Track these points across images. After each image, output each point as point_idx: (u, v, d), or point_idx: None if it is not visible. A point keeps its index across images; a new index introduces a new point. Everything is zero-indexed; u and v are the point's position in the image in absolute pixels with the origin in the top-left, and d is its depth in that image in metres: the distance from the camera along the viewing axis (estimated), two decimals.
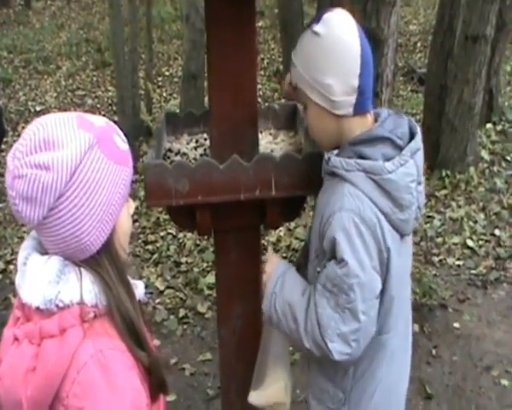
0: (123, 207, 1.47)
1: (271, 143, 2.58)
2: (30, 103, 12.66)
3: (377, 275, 1.84)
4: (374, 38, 4.30)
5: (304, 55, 1.88)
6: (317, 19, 1.86)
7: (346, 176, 1.82)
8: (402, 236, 1.91)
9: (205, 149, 2.50)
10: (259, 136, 2.57)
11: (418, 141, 1.92)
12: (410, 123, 1.96)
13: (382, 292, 1.89)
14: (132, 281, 1.59)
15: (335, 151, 1.90)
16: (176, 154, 2.48)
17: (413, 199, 1.88)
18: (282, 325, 1.97)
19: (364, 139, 1.86)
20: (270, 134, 2.67)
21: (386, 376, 2.03)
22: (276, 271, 2.03)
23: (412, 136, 1.92)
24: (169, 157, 2.44)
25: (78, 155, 1.34)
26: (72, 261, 1.42)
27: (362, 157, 1.82)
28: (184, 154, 2.48)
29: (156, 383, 1.51)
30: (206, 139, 2.59)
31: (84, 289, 1.39)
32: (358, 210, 1.79)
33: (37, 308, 1.38)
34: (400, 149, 1.86)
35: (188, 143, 2.60)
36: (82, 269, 1.41)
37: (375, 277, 1.84)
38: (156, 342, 1.71)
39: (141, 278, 5.80)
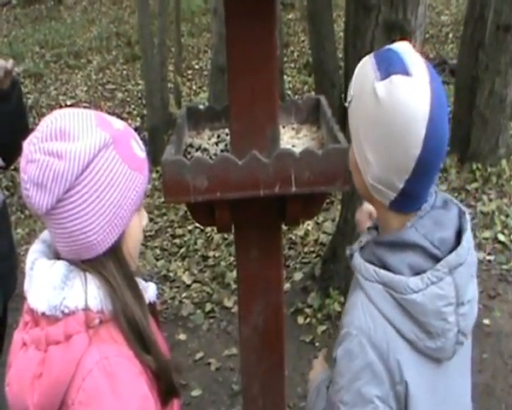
0: (134, 214, 1.45)
1: (293, 138, 2.54)
2: (61, 97, 12.80)
3: (388, 408, 1.46)
4: (401, 29, 4.25)
5: (359, 98, 1.44)
6: (383, 70, 1.39)
7: (362, 284, 1.48)
8: (438, 362, 1.52)
9: (226, 145, 2.47)
10: (282, 131, 2.53)
11: (462, 253, 1.45)
12: (462, 221, 1.51)
13: None
14: (143, 284, 1.58)
15: (362, 239, 1.57)
16: (197, 149, 2.45)
17: (448, 325, 1.45)
18: None
19: (390, 242, 1.46)
20: (293, 129, 2.62)
21: None
22: (314, 381, 1.89)
23: (459, 240, 1.47)
24: (189, 153, 2.42)
25: (92, 151, 1.33)
26: (78, 266, 1.40)
27: (384, 266, 1.45)
28: (205, 149, 2.46)
29: (166, 388, 1.49)
30: (227, 134, 2.55)
31: (89, 294, 1.37)
32: (369, 330, 1.44)
33: (44, 314, 1.37)
34: (436, 259, 1.43)
35: (209, 139, 2.57)
36: (87, 274, 1.40)
37: (380, 408, 1.45)
38: (167, 349, 1.67)
39: (168, 271, 5.82)
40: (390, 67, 1.37)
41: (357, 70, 1.49)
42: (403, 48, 1.43)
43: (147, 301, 1.56)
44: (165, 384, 1.48)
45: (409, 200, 1.45)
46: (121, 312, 1.40)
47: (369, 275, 1.46)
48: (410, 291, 1.40)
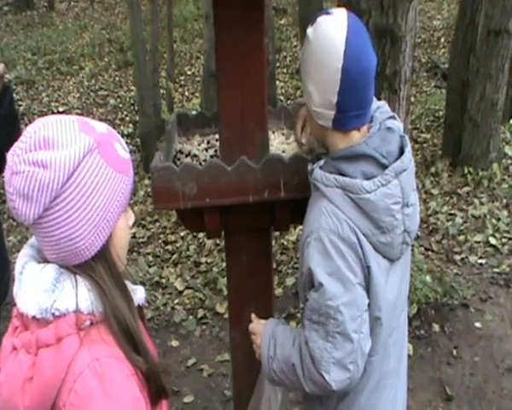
0: (121, 216, 1.45)
1: (283, 143, 2.55)
2: (53, 104, 12.77)
3: (363, 290, 1.76)
4: (391, 34, 4.26)
5: (301, 53, 1.85)
6: (313, 19, 1.79)
7: (324, 191, 1.75)
8: (390, 261, 1.83)
9: (216, 151, 2.47)
10: (272, 136, 2.55)
11: (405, 160, 1.80)
12: (403, 140, 1.86)
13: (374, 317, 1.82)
14: (132, 286, 1.58)
15: (320, 162, 1.82)
16: (186, 155, 2.45)
17: (396, 222, 1.78)
18: (284, 382, 1.93)
19: (345, 155, 1.77)
20: (283, 134, 2.63)
21: (369, 404, 1.94)
22: (264, 335, 1.98)
23: (402, 155, 1.82)
24: (179, 159, 2.42)
25: (77, 157, 1.33)
26: (68, 269, 1.40)
27: (341, 174, 1.74)
28: (195, 155, 2.46)
29: (155, 389, 1.50)
30: (217, 140, 2.56)
31: (79, 296, 1.37)
32: (336, 229, 1.72)
33: (34, 317, 1.37)
34: (384, 167, 1.76)
35: (199, 145, 2.58)
36: (77, 276, 1.40)
37: (361, 292, 1.75)
38: (155, 351, 1.68)
39: (161, 278, 5.81)
40: (317, 15, 1.78)
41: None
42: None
43: (136, 303, 1.56)
44: (154, 385, 1.48)
45: (348, 116, 1.77)
46: (112, 313, 1.41)
47: (329, 182, 1.74)
48: (364, 192, 1.71)
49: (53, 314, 1.36)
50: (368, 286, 1.77)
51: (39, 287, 1.37)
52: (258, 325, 2.09)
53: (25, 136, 1.35)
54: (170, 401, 1.70)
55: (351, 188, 1.71)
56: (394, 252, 1.82)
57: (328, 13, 1.77)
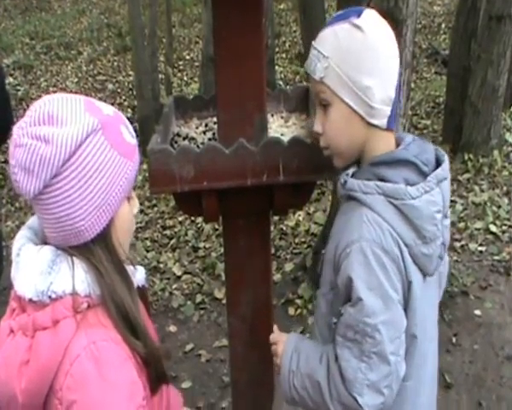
0: (124, 201, 1.44)
1: (282, 126, 2.51)
2: (51, 89, 12.75)
3: (402, 309, 1.64)
4: (392, 18, 4.21)
5: (341, 48, 1.63)
6: (354, 12, 1.65)
7: (364, 200, 1.63)
8: (424, 275, 1.71)
9: (214, 134, 2.44)
10: (270, 119, 2.51)
11: (446, 169, 1.71)
12: (437, 151, 1.77)
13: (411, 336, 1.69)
14: (131, 268, 1.57)
15: (350, 171, 1.72)
16: (184, 138, 2.42)
17: (438, 232, 1.67)
18: (306, 401, 1.76)
19: (386, 161, 1.66)
20: (282, 117, 2.59)
21: None
22: (287, 349, 1.84)
23: (438, 165, 1.72)
24: (176, 141, 2.38)
25: (80, 136, 1.31)
26: (65, 250, 1.39)
27: (382, 180, 1.63)
28: (193, 138, 2.42)
29: (155, 374, 1.49)
30: (215, 123, 2.52)
31: (76, 278, 1.36)
32: (379, 239, 1.59)
33: (31, 300, 1.36)
34: (425, 175, 1.66)
35: (197, 128, 2.54)
36: (74, 258, 1.38)
37: (400, 312, 1.63)
38: (156, 335, 1.68)
39: (159, 263, 5.79)
40: (354, 10, 1.66)
41: (317, 43, 1.72)
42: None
43: (135, 285, 1.55)
44: (154, 371, 1.48)
45: (393, 114, 1.68)
46: (109, 296, 1.40)
47: (370, 189, 1.63)
48: (409, 197, 1.60)
49: (49, 297, 1.34)
50: (406, 303, 1.66)
51: (36, 269, 1.36)
52: (279, 336, 1.97)
53: (31, 110, 1.35)
54: (171, 387, 1.69)
55: (394, 194, 1.61)
56: (432, 266, 1.71)
57: (364, 8, 1.68)
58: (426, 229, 1.64)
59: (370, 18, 1.64)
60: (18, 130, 1.33)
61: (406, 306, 1.66)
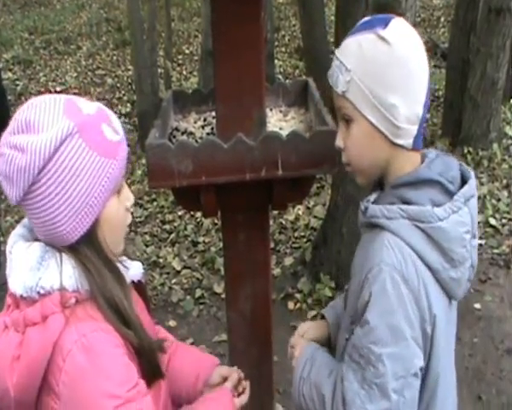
0: (110, 198, 1.44)
1: (281, 120, 2.50)
2: (50, 84, 12.73)
3: (418, 349, 1.51)
4: (391, 11, 4.21)
5: (365, 61, 1.51)
6: (381, 22, 1.52)
7: (387, 226, 1.53)
8: (450, 299, 1.60)
9: (212, 128, 2.43)
10: (269, 113, 2.50)
11: (473, 186, 1.59)
12: (461, 166, 1.64)
13: (427, 371, 1.57)
14: (127, 262, 1.61)
15: (371, 198, 1.64)
16: (182, 133, 2.41)
17: (467, 254, 1.56)
18: (309, 409, 1.70)
19: (410, 181, 1.55)
20: (281, 111, 2.59)
21: None
22: (303, 355, 1.79)
23: (463, 181, 1.61)
24: (175, 136, 2.38)
25: (53, 142, 1.32)
26: (54, 247, 1.42)
27: (406, 202, 1.53)
28: (191, 133, 2.42)
29: (149, 367, 1.51)
30: (214, 118, 2.51)
31: (64, 274, 1.38)
32: (400, 266, 1.48)
33: (22, 296, 1.39)
34: (451, 194, 1.55)
35: (195, 122, 2.54)
36: (63, 254, 1.41)
37: (413, 350, 1.50)
38: (154, 330, 1.69)
39: (158, 258, 5.79)
40: (379, 19, 1.53)
41: (339, 53, 1.57)
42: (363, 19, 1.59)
43: (129, 280, 1.58)
44: (147, 362, 1.50)
45: (419, 133, 1.56)
46: (98, 290, 1.41)
47: (393, 214, 1.52)
48: (436, 219, 1.49)
49: (38, 293, 1.37)
50: (431, 342, 1.55)
51: (25, 266, 1.39)
52: (299, 339, 1.92)
53: (13, 117, 1.38)
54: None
55: (420, 216, 1.50)
56: (460, 290, 1.60)
57: (392, 16, 1.54)
58: (454, 251, 1.53)
59: (398, 29, 1.51)
60: (1, 138, 1.37)
61: (431, 345, 1.55)
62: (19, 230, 1.50)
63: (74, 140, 1.34)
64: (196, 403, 1.70)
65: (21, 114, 1.36)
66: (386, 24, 1.50)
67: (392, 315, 1.47)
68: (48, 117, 1.34)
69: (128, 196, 1.53)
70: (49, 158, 1.32)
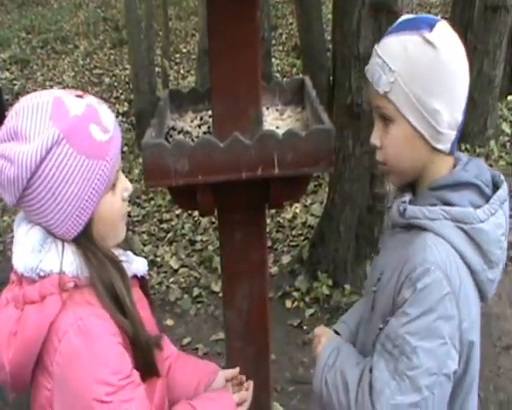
0: (103, 197, 1.46)
1: (277, 119, 2.50)
2: (48, 83, 12.72)
3: (453, 350, 1.51)
4: (387, 9, 4.21)
5: (410, 64, 1.52)
6: (426, 24, 1.53)
7: (430, 226, 1.54)
8: (481, 301, 1.63)
9: (209, 127, 2.43)
10: (266, 112, 2.50)
11: (505, 190, 1.62)
12: (492, 171, 1.66)
13: (464, 374, 1.59)
14: (130, 256, 1.65)
15: (406, 199, 1.63)
16: (179, 132, 2.42)
17: (502, 256, 1.59)
18: (332, 399, 1.67)
19: (449, 184, 1.57)
20: (277, 110, 2.59)
21: None
22: (329, 344, 1.80)
23: (495, 184, 1.63)
24: (171, 135, 2.38)
25: (39, 152, 1.34)
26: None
27: (446, 204, 1.55)
28: (188, 132, 2.42)
29: (143, 361, 1.53)
30: (210, 117, 2.52)
31: (64, 260, 1.42)
32: (444, 266, 1.49)
33: (23, 275, 1.43)
34: (486, 197, 1.58)
35: (192, 121, 2.54)
36: (64, 241, 1.45)
37: (448, 350, 1.50)
38: (155, 327, 1.70)
39: (156, 257, 5.79)
40: (425, 21, 1.54)
41: (382, 52, 1.57)
42: (404, 16, 1.61)
43: (131, 273, 1.60)
44: (142, 357, 1.52)
45: (456, 138, 1.59)
46: (98, 277, 1.45)
47: (436, 215, 1.53)
48: (478, 221, 1.52)
49: (38, 274, 1.41)
50: (470, 344, 1.57)
51: (27, 247, 1.43)
52: (323, 330, 1.93)
53: (4, 123, 1.41)
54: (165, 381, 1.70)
55: (463, 218, 1.52)
56: (492, 291, 1.63)
57: (436, 19, 1.56)
58: (493, 253, 1.56)
59: (443, 33, 1.52)
60: None
61: (470, 348, 1.56)
62: (22, 213, 1.52)
63: (61, 147, 1.36)
64: (195, 400, 1.72)
65: (9, 122, 1.39)
66: (431, 26, 1.51)
67: (432, 312, 1.48)
68: (35, 124, 1.37)
69: (125, 187, 1.56)
70: (37, 168, 1.35)
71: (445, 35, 1.52)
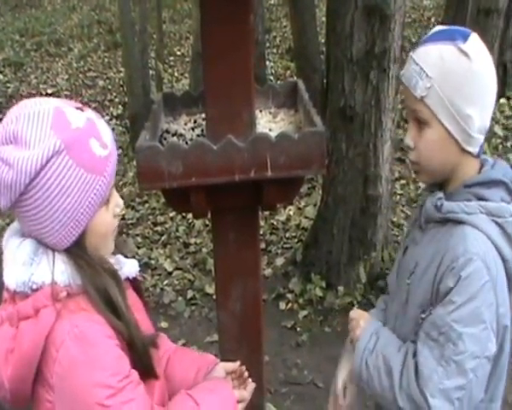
0: (98, 211, 1.47)
1: (270, 122, 2.52)
2: (41, 86, 12.71)
3: (492, 333, 1.63)
4: (380, 12, 4.24)
5: (446, 72, 1.63)
6: (460, 35, 1.65)
7: (467, 219, 1.66)
8: (509, 289, 1.73)
9: (202, 130, 2.45)
10: (259, 115, 2.52)
11: None
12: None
13: (499, 355, 1.70)
14: (121, 259, 1.66)
15: (440, 195, 1.74)
16: (173, 135, 2.43)
17: None
18: (373, 381, 1.77)
19: (482, 181, 1.71)
20: (270, 113, 2.60)
21: None
22: (368, 328, 1.88)
23: None
24: (165, 138, 2.39)
25: (40, 160, 1.34)
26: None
27: (481, 199, 1.69)
28: (181, 135, 2.43)
29: (140, 363, 1.53)
30: (204, 119, 2.53)
31: (56, 270, 1.42)
32: (484, 255, 1.62)
33: (15, 291, 1.43)
34: (510, 194, 1.73)
35: (185, 124, 2.55)
36: (55, 252, 1.45)
37: (488, 333, 1.62)
38: (151, 328, 1.72)
39: (150, 259, 5.80)
40: (459, 32, 1.66)
41: (419, 59, 1.68)
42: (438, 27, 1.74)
43: (124, 277, 1.61)
44: (139, 359, 1.52)
45: (483, 142, 1.72)
46: (90, 282, 1.45)
47: (473, 209, 1.67)
48: (510, 214, 1.67)
49: (30, 288, 1.41)
50: (505, 327, 1.69)
51: (18, 261, 1.43)
52: (359, 313, 2.00)
53: (1, 125, 1.40)
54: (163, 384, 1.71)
55: (497, 212, 1.67)
56: None
57: (469, 30, 1.69)
58: None
59: (476, 44, 1.64)
60: None
61: (505, 330, 1.68)
62: (14, 225, 1.53)
63: (61, 158, 1.37)
64: (195, 391, 1.71)
65: (8, 126, 1.38)
66: (465, 38, 1.63)
67: (475, 299, 1.60)
68: (36, 132, 1.36)
69: (117, 203, 1.56)
70: (36, 175, 1.35)
71: (477, 46, 1.64)
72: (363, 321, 1.93)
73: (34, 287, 1.40)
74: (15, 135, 1.36)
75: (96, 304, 1.45)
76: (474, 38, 1.65)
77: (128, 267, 1.67)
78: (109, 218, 1.53)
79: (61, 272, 1.42)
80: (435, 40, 1.68)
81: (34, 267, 1.41)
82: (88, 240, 1.48)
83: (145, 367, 1.55)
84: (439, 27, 1.74)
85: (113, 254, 1.65)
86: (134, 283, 1.72)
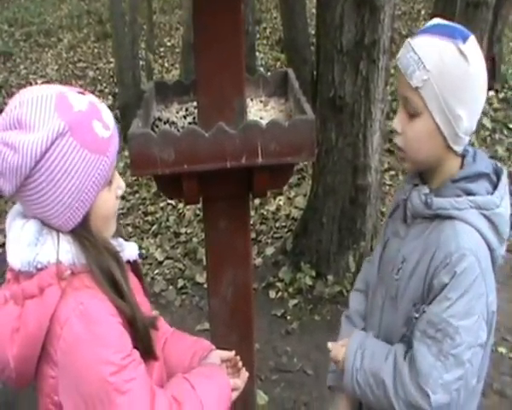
0: (101, 191, 1.49)
1: (261, 110, 2.54)
2: (31, 76, 12.66)
3: (483, 322, 1.69)
4: (370, 4, 4.26)
5: (444, 69, 1.63)
6: (459, 34, 1.65)
7: (457, 215, 1.70)
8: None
9: (194, 118, 2.47)
10: (250, 103, 2.54)
11: (506, 175, 1.80)
12: (491, 160, 1.85)
13: (486, 339, 1.75)
14: (122, 242, 1.67)
15: (426, 190, 1.77)
16: (165, 122, 2.45)
17: (509, 233, 1.78)
18: (367, 394, 1.81)
19: (469, 175, 1.74)
20: (261, 102, 2.63)
21: None
22: (351, 346, 1.88)
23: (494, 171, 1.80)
24: (157, 126, 2.42)
25: (45, 143, 1.36)
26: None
27: (469, 194, 1.72)
28: (173, 122, 2.46)
29: (142, 344, 1.55)
30: (195, 108, 2.55)
31: (60, 249, 1.44)
32: (476, 250, 1.66)
33: (20, 271, 1.44)
34: (493, 184, 1.76)
35: (177, 112, 2.57)
36: (60, 232, 1.46)
37: (480, 323, 1.68)
38: (150, 309, 1.75)
39: (141, 249, 5.81)
40: (459, 31, 1.65)
41: (417, 48, 1.67)
42: (437, 20, 1.73)
43: (125, 259, 1.62)
44: (140, 339, 1.54)
45: (467, 142, 1.75)
46: (94, 262, 1.47)
47: (463, 205, 1.69)
48: (496, 206, 1.70)
49: (35, 267, 1.42)
50: (492, 314, 1.75)
51: (23, 242, 1.44)
52: (338, 347, 1.97)
53: (4, 112, 1.41)
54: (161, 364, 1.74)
55: (485, 205, 1.70)
56: (499, 264, 1.80)
57: (468, 32, 1.69)
58: (505, 232, 1.74)
59: (474, 47, 1.65)
60: None
61: (492, 317, 1.74)
62: (17, 207, 1.54)
63: (65, 139, 1.38)
64: (191, 374, 1.73)
65: (13, 111, 1.39)
66: (464, 39, 1.63)
67: (468, 293, 1.64)
68: (40, 115, 1.37)
69: (119, 185, 1.58)
70: (41, 157, 1.36)
71: (475, 49, 1.65)
72: (345, 341, 1.93)
73: (39, 266, 1.42)
74: (19, 120, 1.37)
75: (101, 283, 1.46)
76: (472, 39, 1.66)
77: (129, 250, 1.68)
78: (112, 199, 1.55)
79: (65, 251, 1.44)
80: (435, 33, 1.66)
81: (39, 247, 1.43)
82: (92, 219, 1.50)
83: (145, 348, 1.56)
84: (438, 20, 1.73)
85: (114, 237, 1.66)
86: (134, 266, 1.73)
